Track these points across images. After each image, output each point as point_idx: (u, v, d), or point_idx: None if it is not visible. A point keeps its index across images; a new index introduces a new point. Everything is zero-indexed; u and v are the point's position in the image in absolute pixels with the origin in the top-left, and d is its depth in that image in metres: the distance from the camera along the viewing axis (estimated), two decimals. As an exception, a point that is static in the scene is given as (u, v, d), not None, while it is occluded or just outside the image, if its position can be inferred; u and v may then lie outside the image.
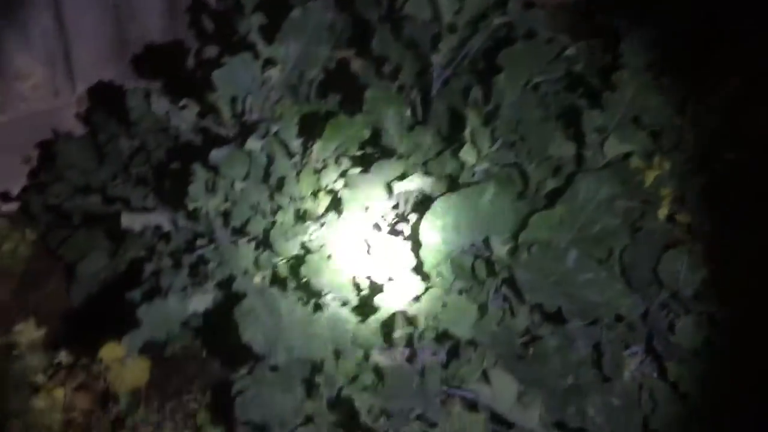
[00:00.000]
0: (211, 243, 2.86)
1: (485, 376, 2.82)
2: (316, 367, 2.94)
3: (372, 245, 2.78)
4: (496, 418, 2.77)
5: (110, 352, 3.18)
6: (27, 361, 2.92)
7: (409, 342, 2.97)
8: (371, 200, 2.74)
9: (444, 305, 2.83)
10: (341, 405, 2.87)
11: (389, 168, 2.78)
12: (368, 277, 2.77)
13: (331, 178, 2.84)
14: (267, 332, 2.66)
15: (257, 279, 2.74)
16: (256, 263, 2.86)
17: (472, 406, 2.82)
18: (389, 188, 2.75)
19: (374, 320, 2.95)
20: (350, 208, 2.73)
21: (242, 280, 2.76)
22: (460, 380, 2.87)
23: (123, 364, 3.30)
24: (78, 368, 3.15)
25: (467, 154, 2.91)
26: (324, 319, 2.93)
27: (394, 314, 2.79)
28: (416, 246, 2.92)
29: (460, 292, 2.88)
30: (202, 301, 2.84)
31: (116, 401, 3.22)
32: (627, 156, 3.27)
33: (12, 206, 3.71)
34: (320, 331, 2.83)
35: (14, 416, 2.89)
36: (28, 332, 2.99)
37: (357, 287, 2.76)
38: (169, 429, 3.17)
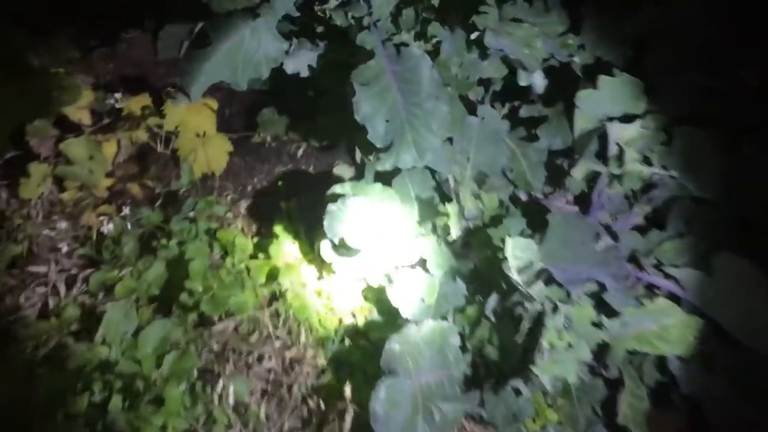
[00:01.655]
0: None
1: (704, 262, 1.80)
2: (444, 194, 2.02)
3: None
4: (713, 324, 1.78)
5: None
6: (46, 83, 2.09)
7: (592, 183, 1.98)
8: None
9: (670, 139, 1.79)
10: (466, 248, 1.96)
11: None
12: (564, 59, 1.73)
13: None
14: (393, 114, 1.72)
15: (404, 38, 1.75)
16: (397, 19, 1.87)
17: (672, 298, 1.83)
18: None
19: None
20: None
21: (371, 34, 1.79)
22: (659, 258, 1.87)
23: (199, 135, 2.50)
24: (137, 120, 2.34)
25: None
26: (478, 123, 1.97)
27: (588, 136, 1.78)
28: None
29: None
30: (304, 57, 1.92)
31: (178, 177, 2.41)
32: None
33: None
34: (471, 132, 1.86)
35: (40, 160, 2.14)
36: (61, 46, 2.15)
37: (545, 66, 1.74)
38: (237, 226, 2.38)
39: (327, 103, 2.43)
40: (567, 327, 1.63)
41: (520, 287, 1.62)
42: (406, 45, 1.71)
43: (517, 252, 1.61)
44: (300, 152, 2.72)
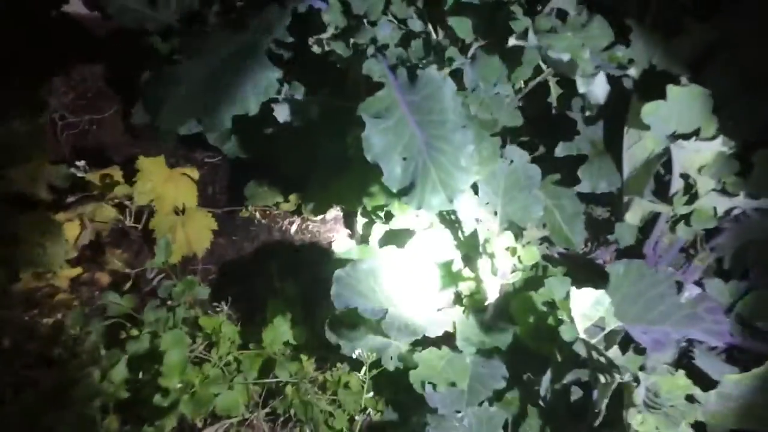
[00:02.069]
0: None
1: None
2: (468, 256, 1.69)
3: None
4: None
5: (155, 170, 2.04)
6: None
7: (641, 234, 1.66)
8: None
9: (747, 166, 1.48)
10: (502, 316, 1.61)
11: None
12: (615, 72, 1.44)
13: None
14: (411, 151, 1.40)
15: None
16: (406, 48, 1.59)
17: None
18: None
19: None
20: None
21: (378, 63, 1.50)
22: (741, 313, 1.52)
23: (178, 213, 2.17)
24: (104, 195, 2.00)
25: None
26: (505, 168, 1.67)
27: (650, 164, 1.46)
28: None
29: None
30: (296, 104, 1.62)
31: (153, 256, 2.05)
32: None
33: None
34: (499, 179, 1.55)
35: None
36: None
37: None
38: (223, 313, 2.01)
39: (322, 165, 2.12)
40: (653, 404, 1.25)
41: (595, 356, 1.25)
42: (421, 68, 1.42)
43: (586, 308, 1.26)
44: (293, 227, 2.39)
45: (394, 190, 1.35)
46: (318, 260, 2.16)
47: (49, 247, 1.84)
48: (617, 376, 1.21)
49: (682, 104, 1.44)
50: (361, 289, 1.54)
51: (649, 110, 1.45)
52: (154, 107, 1.30)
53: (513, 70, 1.51)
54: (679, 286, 1.37)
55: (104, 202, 2.01)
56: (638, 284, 1.40)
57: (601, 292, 1.26)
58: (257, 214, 2.41)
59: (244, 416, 1.78)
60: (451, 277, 1.76)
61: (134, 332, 1.78)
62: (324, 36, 1.55)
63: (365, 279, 1.56)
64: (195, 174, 2.18)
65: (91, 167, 2.10)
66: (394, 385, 1.76)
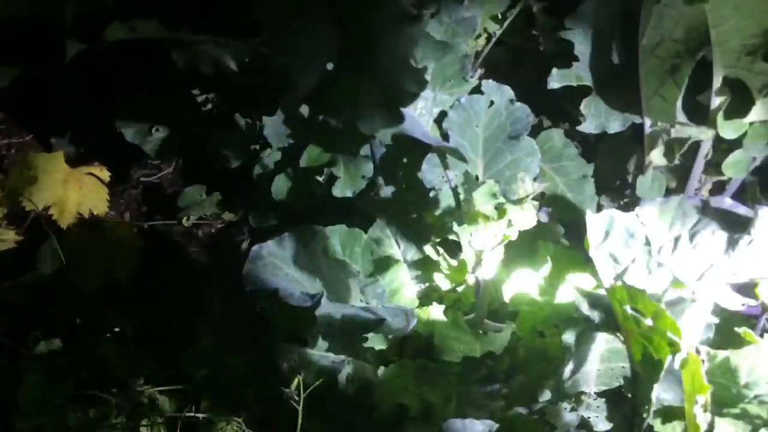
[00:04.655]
0: None
1: None
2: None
3: None
4: None
5: (52, 168, 1.63)
6: None
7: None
8: None
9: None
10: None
11: None
12: None
13: None
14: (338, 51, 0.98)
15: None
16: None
17: None
18: None
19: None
20: None
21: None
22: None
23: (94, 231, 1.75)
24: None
25: None
26: (484, 109, 1.25)
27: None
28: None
29: None
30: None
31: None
32: None
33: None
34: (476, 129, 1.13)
35: None
36: None
37: None
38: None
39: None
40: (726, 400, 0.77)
41: (630, 312, 0.77)
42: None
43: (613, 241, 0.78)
44: (244, 243, 1.96)
45: (311, 107, 0.92)
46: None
47: None
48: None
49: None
50: (289, 271, 1.09)
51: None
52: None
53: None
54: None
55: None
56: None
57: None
58: (200, 232, 2.00)
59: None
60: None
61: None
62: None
63: (297, 257, 1.10)
64: (104, 174, 1.75)
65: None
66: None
